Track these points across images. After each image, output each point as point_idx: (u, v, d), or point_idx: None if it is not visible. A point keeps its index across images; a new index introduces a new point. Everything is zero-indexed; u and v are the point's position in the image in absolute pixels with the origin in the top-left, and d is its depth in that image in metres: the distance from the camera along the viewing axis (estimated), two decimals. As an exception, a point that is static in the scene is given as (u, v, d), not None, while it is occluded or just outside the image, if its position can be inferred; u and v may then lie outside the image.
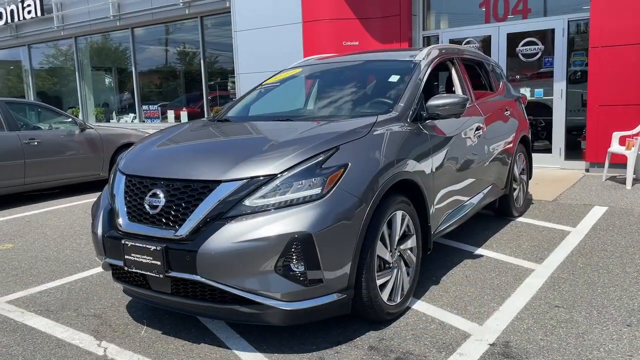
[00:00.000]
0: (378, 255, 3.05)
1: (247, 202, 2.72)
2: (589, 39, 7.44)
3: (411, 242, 3.39)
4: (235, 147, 3.23)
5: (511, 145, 5.16)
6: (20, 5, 15.26)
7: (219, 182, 2.78)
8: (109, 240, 3.02)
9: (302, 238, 2.64)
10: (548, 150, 8.37)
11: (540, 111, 8.44)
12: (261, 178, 2.76)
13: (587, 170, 7.86)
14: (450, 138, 3.92)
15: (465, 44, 8.82)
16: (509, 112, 5.21)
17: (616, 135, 7.06)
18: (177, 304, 2.96)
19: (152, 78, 14.39)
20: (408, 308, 3.40)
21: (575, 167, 8.04)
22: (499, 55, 8.48)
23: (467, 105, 4.34)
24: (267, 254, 2.64)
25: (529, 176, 5.89)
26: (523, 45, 8.30)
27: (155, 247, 2.77)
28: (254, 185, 2.75)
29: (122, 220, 3.00)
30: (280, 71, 4.74)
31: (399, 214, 3.22)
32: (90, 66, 15.68)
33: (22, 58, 17.34)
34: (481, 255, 4.39)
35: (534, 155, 8.25)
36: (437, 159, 3.67)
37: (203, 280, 2.70)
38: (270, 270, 2.66)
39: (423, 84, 3.87)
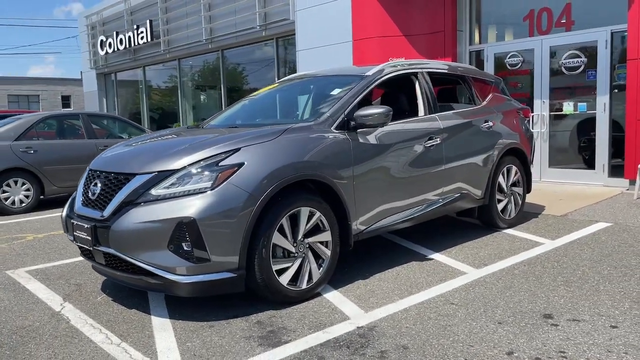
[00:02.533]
0: (276, 244, 3.52)
1: (153, 191, 3.35)
2: (627, 50, 7.13)
3: (324, 237, 3.80)
4: (160, 147, 3.88)
5: (492, 155, 5.26)
6: (135, 32, 17.46)
7: (135, 174, 3.46)
8: (67, 220, 3.82)
9: (187, 222, 3.21)
10: (591, 166, 8.03)
11: (583, 126, 8.15)
12: (166, 172, 3.39)
13: (627, 189, 7.46)
14: (386, 145, 4.24)
15: (509, 57, 8.79)
16: (490, 123, 5.32)
17: (648, 151, 6.69)
18: (111, 274, 3.66)
19: (239, 94, 15.69)
20: (318, 294, 3.80)
21: (618, 185, 7.65)
22: (542, 68, 8.34)
23: (424, 116, 4.66)
24: (161, 233, 3.25)
25: (527, 189, 5.87)
26: (566, 59, 8.09)
27: (87, 225, 3.51)
28: (160, 177, 3.38)
29: (76, 205, 3.79)
30: (268, 86, 5.35)
31: (304, 209, 3.65)
32: (190, 85, 17.44)
33: (139, 78, 19.72)
34: (431, 259, 4.61)
35: (574, 172, 8.11)
36: (362, 163, 4.02)
37: (114, 252, 3.38)
38: (164, 247, 3.26)
39: (361, 96, 4.26)
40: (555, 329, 3.10)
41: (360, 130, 4.10)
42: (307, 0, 10.83)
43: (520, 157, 5.74)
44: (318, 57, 10.60)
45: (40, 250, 5.55)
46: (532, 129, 8.47)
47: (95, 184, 3.66)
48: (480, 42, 9.38)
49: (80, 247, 3.88)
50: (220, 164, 3.39)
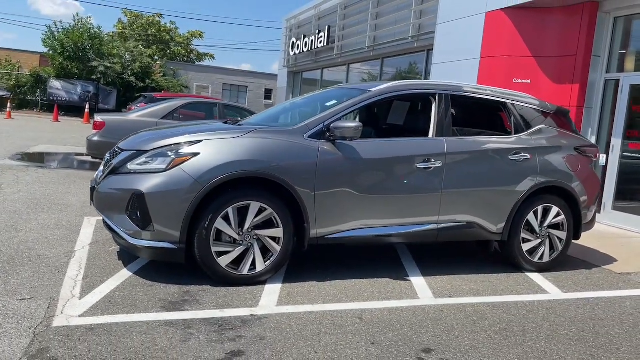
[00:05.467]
0: (220, 230, 3.98)
1: (128, 165, 4.09)
2: None
3: (276, 233, 4.14)
4: (155, 133, 4.54)
5: (517, 190, 4.89)
6: (316, 36, 18.94)
7: (123, 150, 4.24)
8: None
9: (138, 194, 3.87)
10: None
11: None
12: (141, 151, 4.09)
13: None
14: (365, 160, 4.34)
15: (646, 91, 7.69)
16: (525, 155, 4.94)
17: None
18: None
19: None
20: (263, 282, 4.16)
21: None
22: (679, 107, 7.16)
23: (428, 137, 4.65)
24: (121, 200, 3.97)
25: (573, 235, 5.27)
26: None
27: (91, 186, 4.41)
28: (136, 155, 4.10)
29: (99, 171, 4.74)
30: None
31: (255, 204, 4.04)
32: (356, 89, 18.30)
33: (317, 78, 21.28)
34: (407, 280, 4.58)
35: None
36: (329, 173, 4.21)
37: (97, 210, 4.21)
38: (123, 212, 3.97)
39: (350, 110, 4.46)
40: (414, 362, 3.03)
41: (339, 142, 4.31)
42: (446, 15, 10.77)
43: (568, 198, 5.19)
44: (447, 72, 10.48)
45: (126, 208, 6.79)
46: (658, 174, 7.33)
47: (108, 155, 4.55)
48: (617, 70, 8.33)
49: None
50: (179, 151, 3.98)
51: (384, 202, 4.48)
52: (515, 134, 5.12)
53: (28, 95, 29.37)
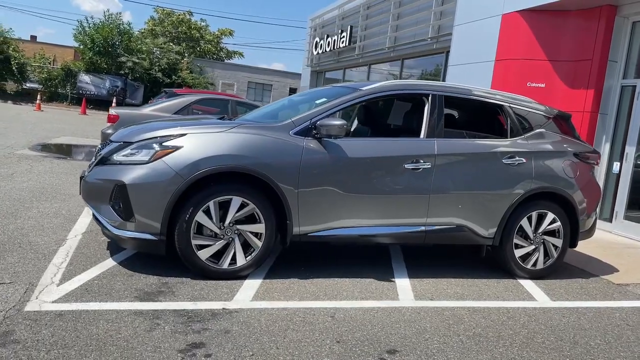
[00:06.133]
0: (201, 223, 4.01)
1: (115, 156, 4.14)
2: None
3: (258, 229, 4.15)
4: (144, 126, 4.61)
5: (511, 194, 4.79)
6: (338, 36, 18.91)
7: (111, 142, 4.30)
8: (85, 172, 4.88)
9: (120, 185, 3.92)
10: None
11: None
12: (127, 143, 4.14)
13: None
14: (351, 159, 4.31)
15: (662, 98, 7.44)
16: (520, 159, 4.83)
17: None
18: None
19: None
20: (243, 277, 4.17)
21: None
22: (696, 116, 6.91)
23: (419, 138, 4.61)
24: (105, 191, 4.03)
25: (569, 243, 5.13)
26: None
27: (80, 176, 4.49)
28: (123, 147, 4.15)
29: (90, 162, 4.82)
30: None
31: (237, 199, 4.06)
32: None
33: (340, 78, 21.24)
34: (392, 281, 4.53)
35: None
36: (313, 170, 4.19)
37: (84, 200, 4.28)
38: (107, 202, 4.03)
39: (339, 107, 4.42)
40: (375, 363, 3.00)
41: (326, 140, 4.28)
42: (463, 17, 10.63)
43: (565, 205, 5.06)
44: (463, 74, 10.35)
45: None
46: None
47: (99, 146, 4.63)
48: (636, 77, 8.09)
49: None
50: (163, 144, 4.02)
51: (370, 201, 4.44)
52: (511, 137, 5.02)
53: (58, 89, 30.07)
